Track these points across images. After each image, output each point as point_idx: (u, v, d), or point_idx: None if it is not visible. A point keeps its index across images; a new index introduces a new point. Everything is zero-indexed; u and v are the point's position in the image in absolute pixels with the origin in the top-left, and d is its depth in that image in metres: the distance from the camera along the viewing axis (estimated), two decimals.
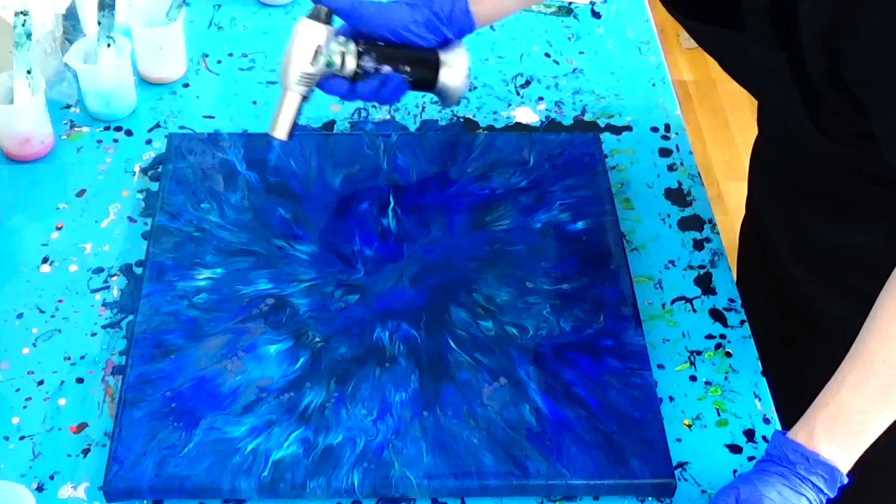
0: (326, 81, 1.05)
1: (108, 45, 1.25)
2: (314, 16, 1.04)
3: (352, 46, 1.05)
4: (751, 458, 0.97)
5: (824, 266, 1.11)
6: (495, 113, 1.32)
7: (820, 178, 1.06)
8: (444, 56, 1.08)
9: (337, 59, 1.04)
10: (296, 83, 1.04)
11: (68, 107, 1.30)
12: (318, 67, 1.03)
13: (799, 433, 0.89)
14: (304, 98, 1.05)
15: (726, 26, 0.95)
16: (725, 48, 1.00)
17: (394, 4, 1.07)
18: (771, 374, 1.05)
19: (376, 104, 1.09)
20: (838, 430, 0.87)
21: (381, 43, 1.07)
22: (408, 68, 1.07)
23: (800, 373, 1.11)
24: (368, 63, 1.05)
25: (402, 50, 1.07)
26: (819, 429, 0.87)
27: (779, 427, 1.00)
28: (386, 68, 1.06)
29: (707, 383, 1.03)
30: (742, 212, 1.30)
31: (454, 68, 1.08)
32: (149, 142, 1.26)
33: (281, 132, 1.05)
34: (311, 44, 1.03)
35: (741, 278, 1.15)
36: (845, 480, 0.87)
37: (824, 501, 0.87)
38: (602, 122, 1.30)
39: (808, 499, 0.86)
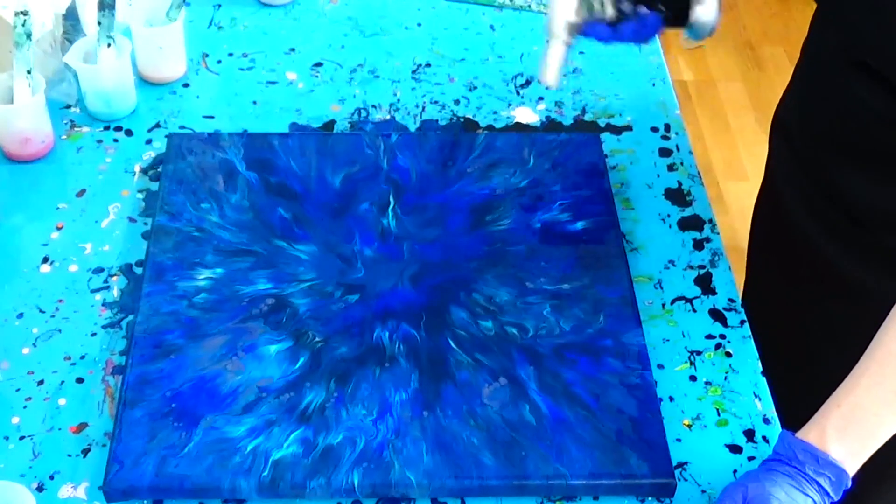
0: (589, 28, 1.04)
1: (108, 45, 1.25)
2: None
3: None
4: (751, 458, 0.97)
5: (856, 230, 1.06)
6: (495, 113, 1.32)
7: (877, 138, 1.00)
8: None
9: (597, 5, 1.05)
10: (564, 31, 1.04)
11: (68, 107, 1.30)
12: (581, 15, 1.04)
13: (810, 433, 0.88)
14: (569, 45, 1.05)
15: None
16: None
17: None
18: (771, 374, 1.04)
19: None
20: (851, 431, 0.86)
21: None
22: (662, 7, 1.05)
23: (800, 373, 1.11)
24: (626, 5, 1.05)
25: None
26: (831, 429, 0.87)
27: (779, 427, 1.00)
28: (643, 9, 1.05)
29: (707, 383, 1.03)
30: (742, 212, 1.29)
31: (706, 5, 1.05)
32: (149, 142, 1.26)
33: (552, 80, 1.05)
34: None
35: (751, 261, 1.10)
36: (849, 484, 0.86)
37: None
38: (602, 122, 1.30)
39: (813, 500, 0.85)
